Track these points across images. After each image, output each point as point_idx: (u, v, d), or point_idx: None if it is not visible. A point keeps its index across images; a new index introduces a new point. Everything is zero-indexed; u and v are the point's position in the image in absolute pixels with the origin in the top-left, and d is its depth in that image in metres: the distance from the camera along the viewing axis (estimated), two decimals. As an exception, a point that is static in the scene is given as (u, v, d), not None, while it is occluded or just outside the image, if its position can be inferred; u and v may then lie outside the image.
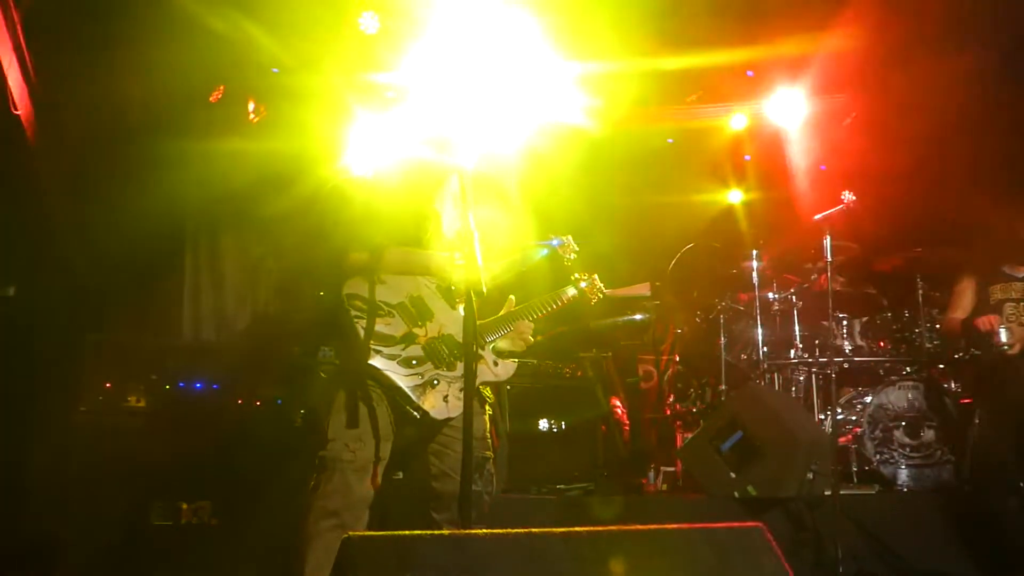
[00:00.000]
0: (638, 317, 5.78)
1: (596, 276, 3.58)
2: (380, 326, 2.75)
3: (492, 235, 2.93)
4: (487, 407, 3.01)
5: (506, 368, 3.02)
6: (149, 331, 5.52)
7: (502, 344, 3.11)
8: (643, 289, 5.83)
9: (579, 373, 5.45)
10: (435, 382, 2.77)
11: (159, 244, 5.39)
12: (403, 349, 2.77)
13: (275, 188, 5.07)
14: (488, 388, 3.03)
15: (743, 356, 5.36)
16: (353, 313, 2.74)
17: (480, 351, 2.95)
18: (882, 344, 5.18)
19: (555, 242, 3.58)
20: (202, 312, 5.86)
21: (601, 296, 3.54)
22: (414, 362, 2.77)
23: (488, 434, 2.99)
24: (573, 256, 3.68)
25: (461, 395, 2.70)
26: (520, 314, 3.15)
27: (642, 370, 6.04)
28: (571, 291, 3.40)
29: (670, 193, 6.49)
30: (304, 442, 4.42)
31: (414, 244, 2.95)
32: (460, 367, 2.80)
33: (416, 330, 2.82)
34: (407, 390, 2.73)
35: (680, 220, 6.51)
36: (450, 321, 2.89)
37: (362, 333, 2.72)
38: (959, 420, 4.59)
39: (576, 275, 3.56)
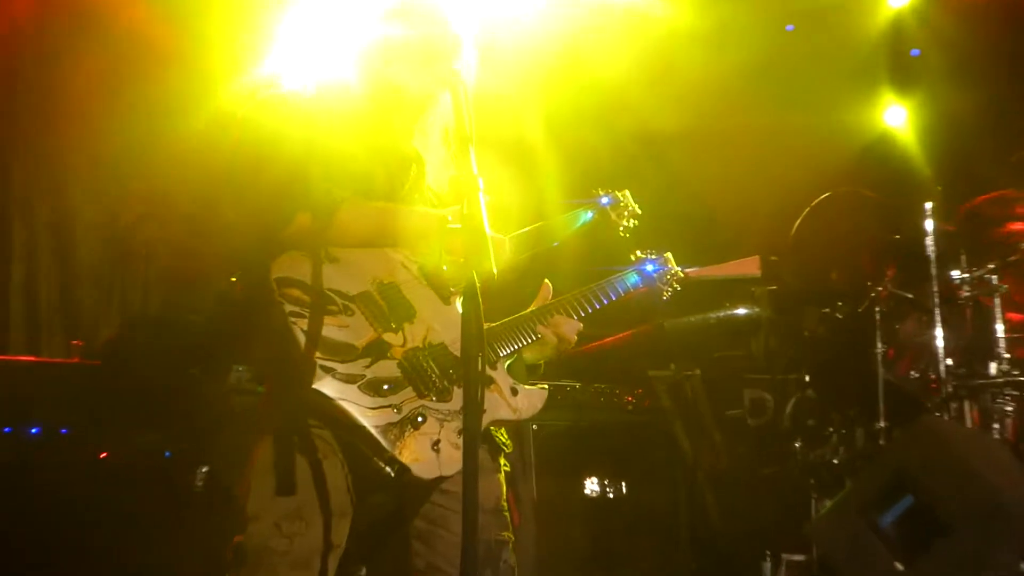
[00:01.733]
0: (741, 312, 5.82)
1: (669, 254, 3.59)
2: (331, 330, 2.77)
3: (505, 190, 2.96)
4: (502, 461, 3.03)
5: (531, 399, 3.03)
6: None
7: (527, 356, 3.14)
8: (749, 268, 5.82)
9: (647, 403, 5.53)
10: (419, 419, 2.77)
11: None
12: (368, 366, 2.79)
13: (155, 117, 5.12)
14: (504, 430, 3.05)
15: (913, 373, 5.37)
16: (288, 309, 2.75)
17: (490, 370, 2.96)
18: None
19: (604, 201, 3.61)
20: (39, 314, 5.92)
21: (679, 282, 3.58)
22: (386, 387, 2.79)
23: (504, 504, 3.00)
24: (632, 222, 3.70)
25: (460, 441, 2.71)
26: (554, 309, 3.19)
27: (750, 397, 6.08)
28: (633, 278, 3.43)
29: (788, 114, 6.50)
30: (208, 521, 4.50)
31: (383, 199, 2.97)
32: (458, 396, 2.81)
33: (388, 336, 2.85)
34: (375, 433, 2.72)
35: (806, 157, 6.50)
36: (442, 322, 2.92)
37: (302, 341, 2.74)
38: None
39: (638, 252, 3.58)
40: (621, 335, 5.65)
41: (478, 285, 2.46)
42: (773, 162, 6.40)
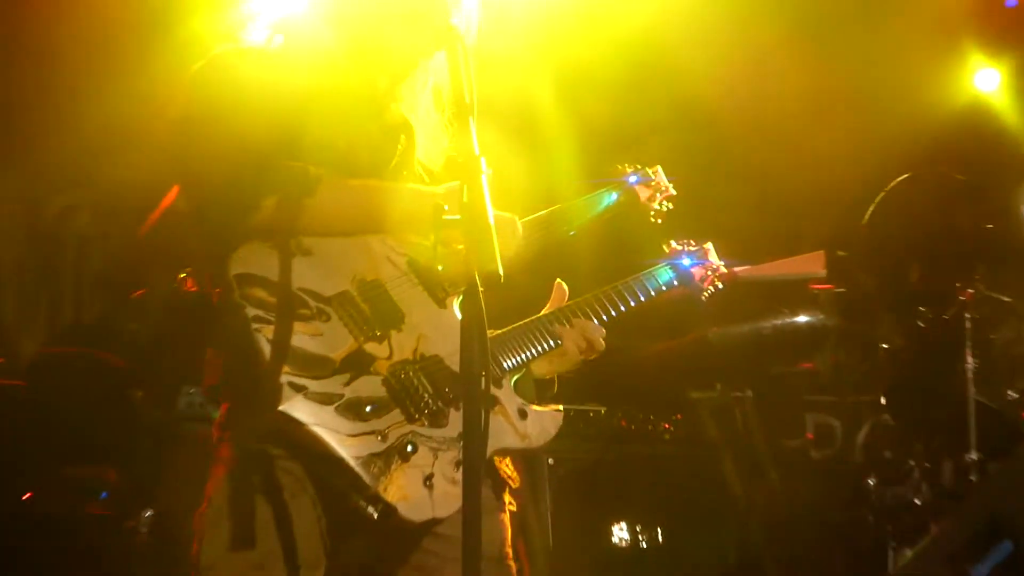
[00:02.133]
0: (803, 320, 5.82)
1: (710, 245, 3.62)
2: (303, 339, 2.79)
3: (511, 166, 2.96)
4: (507, 498, 3.06)
5: (543, 423, 3.06)
6: None
7: (538, 370, 3.16)
8: (812, 266, 5.83)
9: (688, 432, 5.54)
10: (408, 449, 2.80)
11: None
12: (346, 384, 2.81)
13: (88, 76, 5.14)
14: (510, 461, 3.08)
15: (1011, 394, 5.39)
16: (250, 313, 2.77)
17: (494, 388, 2.99)
18: None
19: (631, 179, 3.63)
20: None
21: (723, 280, 3.60)
22: (368, 409, 2.81)
23: (510, 551, 3.03)
24: (666, 205, 3.72)
25: (458, 475, 2.73)
26: (572, 312, 3.22)
27: (814, 424, 6.09)
28: (666, 274, 3.45)
29: (858, 78, 6.54)
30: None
31: (365, 176, 3.00)
32: (456, 420, 2.84)
33: (372, 347, 2.87)
34: (354, 465, 2.74)
35: (880, 130, 6.50)
36: (436, 330, 2.95)
37: (266, 352, 2.76)
38: None
39: (672, 242, 3.61)
40: (655, 348, 5.68)
41: (480, 286, 2.44)
42: (840, 136, 6.39)
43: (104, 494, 4.95)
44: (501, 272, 2.43)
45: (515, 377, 3.10)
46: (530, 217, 3.29)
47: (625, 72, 6.08)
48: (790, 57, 6.37)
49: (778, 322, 5.82)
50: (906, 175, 5.83)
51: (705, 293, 3.60)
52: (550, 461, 5.06)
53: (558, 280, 3.27)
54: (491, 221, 2.48)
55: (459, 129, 2.64)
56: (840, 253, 5.85)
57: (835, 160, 6.39)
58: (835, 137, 6.42)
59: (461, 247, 2.55)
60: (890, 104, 6.62)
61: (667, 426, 5.53)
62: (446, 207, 2.69)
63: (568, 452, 5.15)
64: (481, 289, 2.43)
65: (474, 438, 2.43)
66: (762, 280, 5.59)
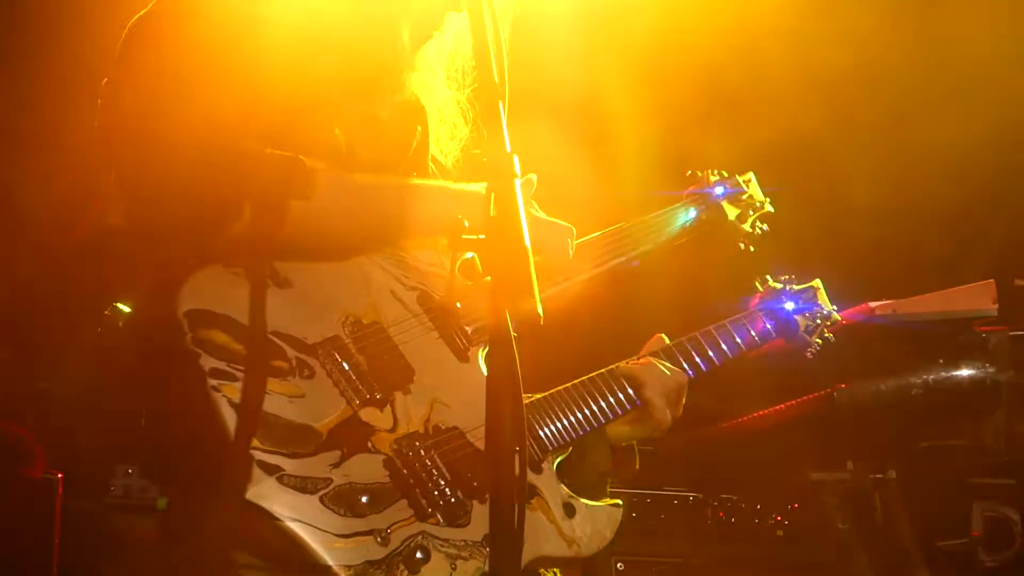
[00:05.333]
0: (966, 375, 5.81)
1: (819, 283, 3.70)
2: (278, 401, 2.84)
3: (555, 170, 3.09)
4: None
5: (595, 522, 3.13)
6: None
7: (614, 432, 3.24)
8: (978, 300, 5.84)
9: (809, 524, 5.56)
10: (418, 556, 2.85)
11: None
12: (335, 465, 2.86)
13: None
14: (558, 572, 3.12)
15: None
16: (207, 365, 2.81)
17: (532, 474, 3.05)
18: None
19: (717, 192, 3.67)
20: None
21: (830, 332, 3.67)
22: (365, 500, 2.86)
23: None
24: (759, 227, 3.80)
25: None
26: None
27: (984, 516, 6.05)
28: (762, 322, 3.53)
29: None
30: None
31: (368, 169, 3.03)
32: (480, 518, 2.89)
33: (369, 414, 2.94)
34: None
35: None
36: (454, 392, 3.01)
37: (229, 421, 2.79)
38: None
39: (768, 279, 3.69)
40: (762, 414, 5.71)
41: (514, 333, 2.38)
42: (1007, 123, 6.39)
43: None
44: (540, 311, 2.35)
45: (559, 458, 3.16)
46: (585, 238, 3.33)
47: (709, 51, 6.13)
48: (937, 26, 6.40)
49: (931, 377, 5.75)
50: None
51: (811, 348, 3.66)
52: (619, 566, 5.12)
53: (660, 336, 3.32)
54: (527, 242, 2.40)
55: (486, 117, 2.57)
56: (1018, 283, 5.86)
57: (1004, 160, 6.42)
58: (1003, 124, 6.38)
59: (489, 277, 2.56)
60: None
61: (779, 518, 5.57)
62: (466, 223, 2.73)
63: (645, 553, 5.21)
64: (514, 335, 2.36)
65: (507, 544, 2.38)
66: (908, 321, 5.59)
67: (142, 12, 2.98)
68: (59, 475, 5.20)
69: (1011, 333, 5.80)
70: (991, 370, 5.75)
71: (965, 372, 5.75)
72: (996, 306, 5.74)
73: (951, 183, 6.40)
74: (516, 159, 2.47)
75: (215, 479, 2.76)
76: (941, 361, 5.76)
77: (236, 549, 2.81)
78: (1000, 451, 5.93)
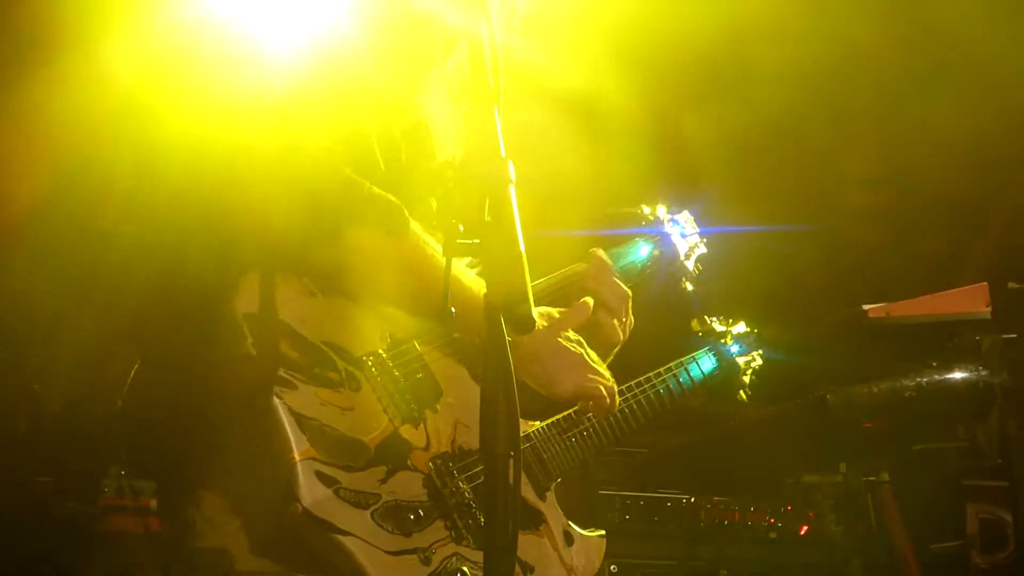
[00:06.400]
0: (959, 377, 5.96)
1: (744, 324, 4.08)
2: (331, 412, 2.97)
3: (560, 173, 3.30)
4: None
5: (587, 551, 3.38)
6: None
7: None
8: (971, 303, 5.94)
9: (802, 529, 5.81)
10: (456, 576, 3.04)
11: None
12: (382, 480, 3.04)
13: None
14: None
15: None
16: (270, 372, 2.90)
17: (538, 500, 3.27)
18: None
19: (669, 229, 3.77)
20: None
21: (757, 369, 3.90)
22: (412, 517, 3.02)
23: None
24: (696, 267, 3.96)
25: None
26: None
27: (978, 519, 6.17)
28: (709, 360, 3.79)
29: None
30: None
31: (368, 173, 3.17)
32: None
33: (408, 432, 3.14)
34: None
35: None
36: (473, 410, 2.81)
37: (287, 426, 2.89)
38: None
39: (708, 319, 3.99)
40: (755, 416, 5.82)
41: (509, 348, 2.43)
42: (1003, 125, 6.46)
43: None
44: (535, 316, 2.43)
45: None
46: (540, 280, 3.54)
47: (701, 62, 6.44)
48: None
49: (924, 380, 5.85)
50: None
51: (744, 391, 3.93)
52: (613, 568, 5.27)
53: (593, 249, 3.47)
54: (521, 247, 2.46)
55: (481, 122, 2.66)
56: (1012, 285, 5.87)
57: (1002, 150, 6.52)
58: (1003, 110, 6.44)
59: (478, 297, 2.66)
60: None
61: (772, 520, 5.75)
62: (461, 227, 2.68)
63: (639, 555, 5.41)
64: (509, 340, 2.42)
65: (500, 565, 2.42)
66: (902, 323, 5.72)
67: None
68: (48, 479, 5.23)
69: (1004, 336, 5.90)
70: (984, 373, 5.87)
71: (958, 375, 5.90)
72: (989, 309, 5.84)
73: (946, 185, 6.56)
74: (511, 164, 2.57)
75: (264, 486, 2.88)
76: (934, 364, 5.94)
77: (275, 561, 2.96)
78: (993, 453, 6.04)
